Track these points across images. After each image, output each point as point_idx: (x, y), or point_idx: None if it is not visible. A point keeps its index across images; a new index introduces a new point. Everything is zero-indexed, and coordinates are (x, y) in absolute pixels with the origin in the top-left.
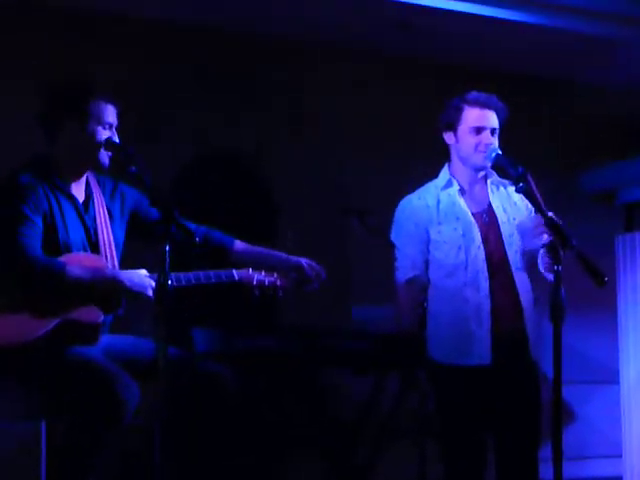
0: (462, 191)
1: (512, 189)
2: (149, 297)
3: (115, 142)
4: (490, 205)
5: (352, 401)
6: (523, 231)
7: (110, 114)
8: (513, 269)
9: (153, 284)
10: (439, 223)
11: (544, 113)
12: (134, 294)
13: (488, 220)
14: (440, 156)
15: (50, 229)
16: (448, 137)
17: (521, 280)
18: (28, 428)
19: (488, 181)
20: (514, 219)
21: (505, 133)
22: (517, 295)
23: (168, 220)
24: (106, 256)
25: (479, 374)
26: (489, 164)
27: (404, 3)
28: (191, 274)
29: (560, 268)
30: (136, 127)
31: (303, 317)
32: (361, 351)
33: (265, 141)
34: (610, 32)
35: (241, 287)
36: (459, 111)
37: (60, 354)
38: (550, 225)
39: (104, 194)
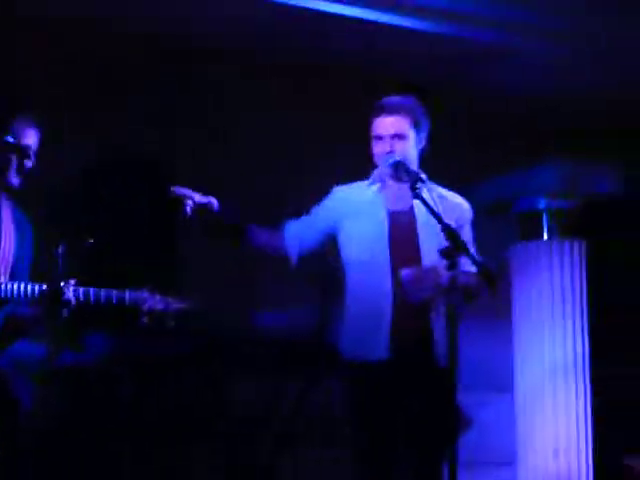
0: (384, 188)
1: (445, 193)
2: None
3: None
4: (412, 207)
5: (253, 406)
6: None
7: (29, 138)
8: None
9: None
10: (352, 218)
11: (438, 122)
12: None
13: (404, 221)
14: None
15: None
16: None
17: None
18: None
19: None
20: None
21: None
22: None
23: (64, 221)
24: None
25: (379, 371)
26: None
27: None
28: (80, 289)
29: (454, 274)
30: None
31: (203, 322)
32: (261, 356)
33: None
34: (502, 39)
35: None
36: (370, 121)
37: None
38: (445, 230)
39: (13, 219)
